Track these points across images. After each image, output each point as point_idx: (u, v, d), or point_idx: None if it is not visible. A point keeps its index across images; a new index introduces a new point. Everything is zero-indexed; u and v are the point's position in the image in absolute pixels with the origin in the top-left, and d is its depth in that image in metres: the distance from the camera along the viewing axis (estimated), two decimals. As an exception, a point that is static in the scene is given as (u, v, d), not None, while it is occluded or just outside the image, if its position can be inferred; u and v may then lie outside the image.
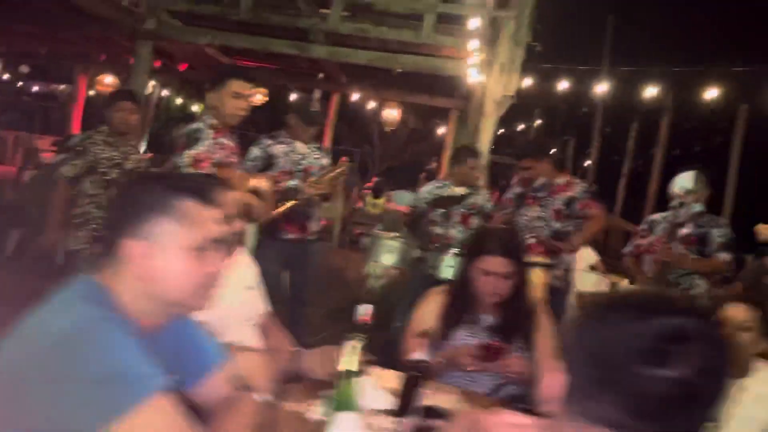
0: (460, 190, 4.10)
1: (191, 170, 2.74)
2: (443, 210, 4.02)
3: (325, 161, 3.88)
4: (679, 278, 3.44)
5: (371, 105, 11.44)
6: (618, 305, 0.88)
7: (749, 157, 12.16)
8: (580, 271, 4.17)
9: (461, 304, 2.21)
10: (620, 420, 0.79)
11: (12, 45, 9.93)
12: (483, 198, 4.20)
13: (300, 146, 3.74)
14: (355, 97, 11.04)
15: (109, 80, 9.32)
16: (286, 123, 3.80)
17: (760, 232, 4.25)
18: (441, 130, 11.84)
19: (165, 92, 14.49)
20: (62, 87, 15.20)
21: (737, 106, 12.16)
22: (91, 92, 10.55)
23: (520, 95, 7.13)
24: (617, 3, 16.33)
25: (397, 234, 4.55)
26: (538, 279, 3.17)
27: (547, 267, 3.40)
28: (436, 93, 8.69)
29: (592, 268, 4.84)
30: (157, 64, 10.22)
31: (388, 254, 4.31)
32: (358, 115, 13.57)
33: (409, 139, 18.16)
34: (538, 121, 18.29)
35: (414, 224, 4.21)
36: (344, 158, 9.21)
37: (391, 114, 9.10)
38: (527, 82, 8.05)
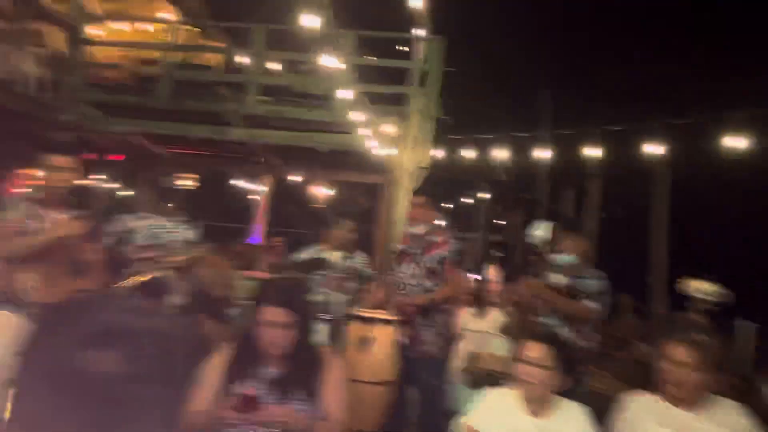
0: (336, 255, 4.14)
1: None
2: (319, 276, 4.07)
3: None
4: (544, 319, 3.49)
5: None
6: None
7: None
8: (469, 334, 4.13)
9: (245, 357, 2.19)
10: None
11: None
12: (360, 262, 4.23)
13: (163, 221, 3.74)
14: (292, 178, 11.15)
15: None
16: None
17: (685, 284, 4.31)
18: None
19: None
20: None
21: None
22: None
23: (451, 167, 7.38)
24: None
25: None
26: (383, 336, 3.18)
27: (393, 323, 3.32)
28: (367, 170, 8.88)
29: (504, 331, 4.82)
30: (92, 156, 10.26)
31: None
32: (295, 195, 13.74)
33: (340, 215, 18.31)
34: (487, 195, 18.95)
35: None
36: (278, 239, 9.27)
37: (320, 191, 9.26)
38: (469, 154, 8.38)
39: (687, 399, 2.33)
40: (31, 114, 6.95)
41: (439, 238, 3.74)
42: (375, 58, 7.54)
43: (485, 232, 17.75)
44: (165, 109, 7.23)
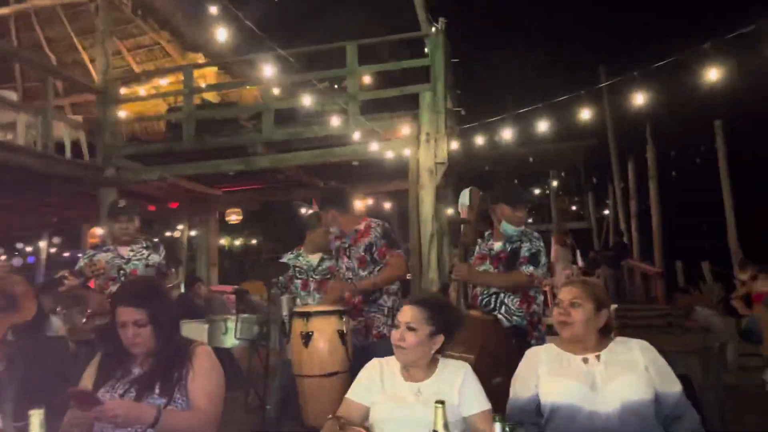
0: (314, 258, 4.18)
1: None
2: (300, 279, 4.12)
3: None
4: (487, 299, 3.38)
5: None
6: None
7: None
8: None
9: (112, 359, 2.23)
10: None
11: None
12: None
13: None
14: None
15: (100, 231, 9.98)
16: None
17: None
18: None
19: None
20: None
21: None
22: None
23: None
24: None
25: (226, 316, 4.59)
26: (324, 328, 3.19)
27: (333, 314, 3.29)
28: (396, 177, 8.93)
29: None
30: (152, 208, 10.94)
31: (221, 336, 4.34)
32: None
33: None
34: (554, 182, 18.50)
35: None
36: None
37: (356, 204, 9.38)
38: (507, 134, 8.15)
39: (581, 342, 2.27)
40: (75, 176, 7.52)
41: (362, 226, 3.73)
42: (380, 65, 7.57)
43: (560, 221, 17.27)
44: (192, 149, 7.58)
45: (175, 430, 2.04)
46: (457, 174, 7.20)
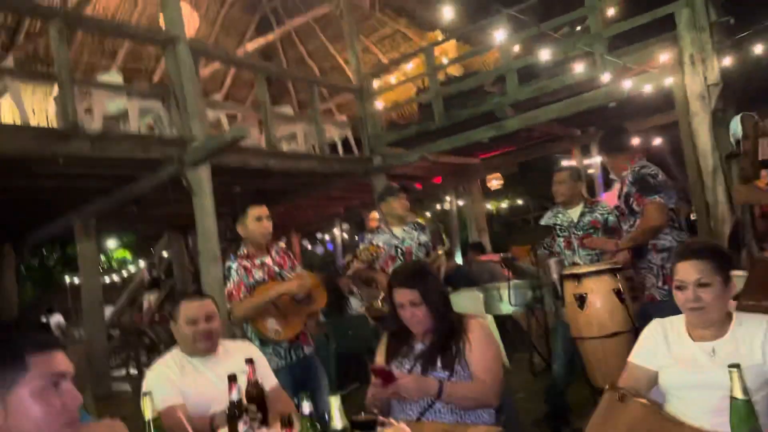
0: (574, 212, 3.95)
1: (228, 304, 3.34)
2: (562, 237, 4.03)
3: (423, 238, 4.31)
4: None
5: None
6: None
7: None
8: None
9: (397, 337, 2.37)
10: None
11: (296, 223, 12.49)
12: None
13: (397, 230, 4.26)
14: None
15: (376, 215, 11.00)
16: None
17: None
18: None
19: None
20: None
21: None
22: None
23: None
24: None
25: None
26: (597, 287, 2.99)
27: (606, 273, 3.11)
28: (664, 109, 8.09)
29: None
30: (419, 186, 11.69)
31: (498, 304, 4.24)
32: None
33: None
34: None
35: None
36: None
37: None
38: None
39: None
40: (349, 170, 8.39)
41: (625, 172, 3.47)
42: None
43: None
44: (444, 126, 7.87)
45: (459, 400, 2.19)
46: (737, 94, 6.21)
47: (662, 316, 2.19)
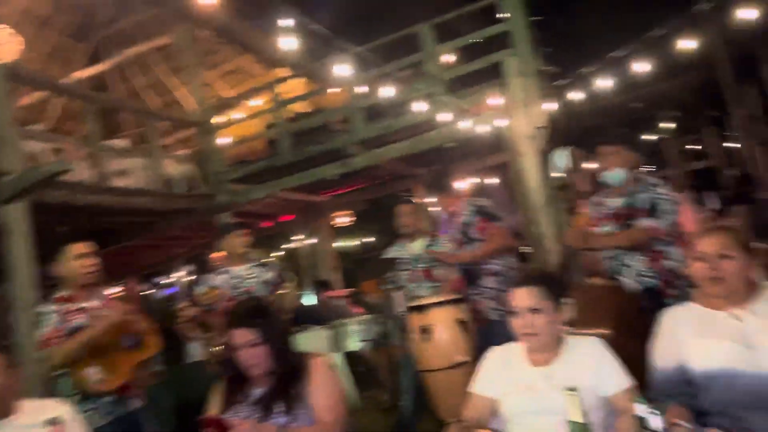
0: (416, 246, 4.09)
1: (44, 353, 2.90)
2: (406, 271, 4.10)
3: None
4: (610, 263, 3.11)
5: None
6: None
7: None
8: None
9: (234, 383, 2.25)
10: None
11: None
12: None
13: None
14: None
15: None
16: None
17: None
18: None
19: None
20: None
21: None
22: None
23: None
24: None
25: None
26: (442, 318, 3.09)
27: (449, 304, 3.23)
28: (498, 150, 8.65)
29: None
30: (269, 224, 11.40)
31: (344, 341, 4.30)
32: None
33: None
34: (668, 124, 17.21)
35: None
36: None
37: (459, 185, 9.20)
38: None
39: (729, 297, 1.98)
40: (190, 207, 7.95)
41: (456, 207, 3.73)
42: (457, 40, 7.29)
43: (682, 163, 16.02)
44: (292, 162, 7.76)
45: None
46: (560, 135, 6.82)
47: (501, 335, 2.22)
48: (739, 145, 16.06)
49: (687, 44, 5.86)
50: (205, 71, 10.35)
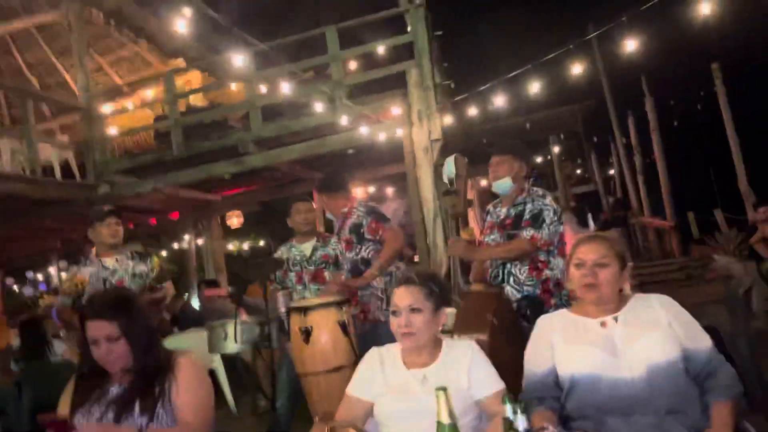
0: (306, 247, 4.06)
1: None
2: (294, 272, 4.07)
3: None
4: (495, 271, 3.19)
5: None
6: None
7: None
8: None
9: (88, 380, 2.06)
10: None
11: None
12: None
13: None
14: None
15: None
16: None
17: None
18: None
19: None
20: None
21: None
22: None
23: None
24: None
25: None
26: (323, 321, 3.08)
27: (331, 305, 3.18)
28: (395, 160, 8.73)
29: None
30: (153, 221, 10.83)
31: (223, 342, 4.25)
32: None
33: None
34: (555, 148, 18.17)
35: None
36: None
37: (357, 192, 9.22)
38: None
39: (601, 305, 2.06)
40: (67, 197, 7.39)
41: (347, 208, 3.74)
42: (361, 47, 7.32)
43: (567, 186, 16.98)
44: (183, 157, 7.43)
45: None
46: (454, 150, 6.97)
47: (387, 336, 2.20)
48: (616, 173, 17.35)
49: (574, 71, 6.18)
50: (98, 56, 9.77)
